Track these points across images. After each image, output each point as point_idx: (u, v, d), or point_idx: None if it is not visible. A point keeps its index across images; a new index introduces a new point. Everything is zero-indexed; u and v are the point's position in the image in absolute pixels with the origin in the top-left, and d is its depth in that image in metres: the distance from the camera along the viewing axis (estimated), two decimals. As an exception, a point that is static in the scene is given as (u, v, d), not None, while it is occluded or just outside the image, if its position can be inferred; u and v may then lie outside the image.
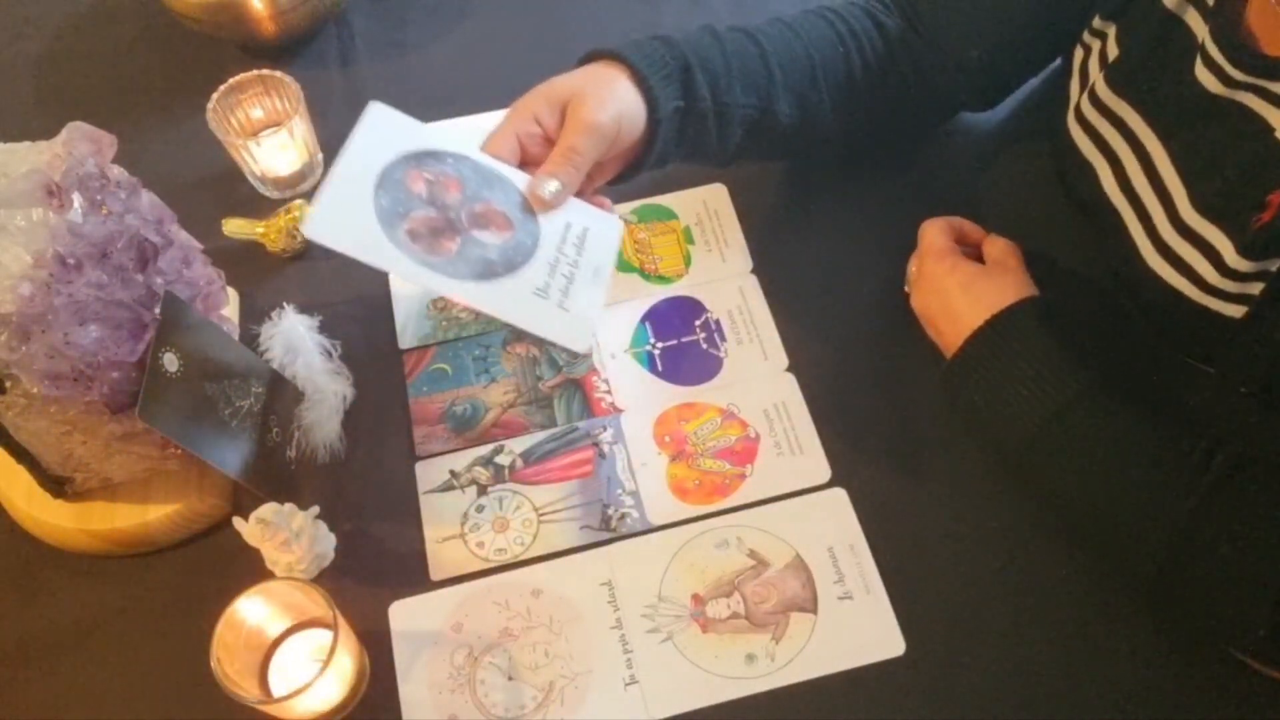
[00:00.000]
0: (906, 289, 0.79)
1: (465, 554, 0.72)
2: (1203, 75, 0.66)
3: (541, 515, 0.73)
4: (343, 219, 0.61)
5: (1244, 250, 0.65)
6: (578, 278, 0.67)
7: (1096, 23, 0.77)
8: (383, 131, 0.66)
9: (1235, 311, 0.67)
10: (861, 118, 0.82)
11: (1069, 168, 0.81)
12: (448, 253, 0.64)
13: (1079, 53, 0.81)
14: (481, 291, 0.63)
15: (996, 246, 0.76)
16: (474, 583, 0.70)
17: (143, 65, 0.99)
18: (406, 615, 0.69)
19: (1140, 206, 0.73)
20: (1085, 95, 0.77)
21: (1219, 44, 0.64)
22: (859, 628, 0.68)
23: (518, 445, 0.76)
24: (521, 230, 0.67)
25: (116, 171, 0.66)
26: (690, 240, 0.86)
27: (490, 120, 0.91)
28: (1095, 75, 0.77)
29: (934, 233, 0.77)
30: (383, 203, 0.63)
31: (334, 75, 0.97)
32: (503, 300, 0.64)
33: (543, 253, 0.67)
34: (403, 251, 0.62)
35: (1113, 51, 0.75)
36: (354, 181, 0.63)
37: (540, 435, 0.76)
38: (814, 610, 0.69)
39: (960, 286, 0.73)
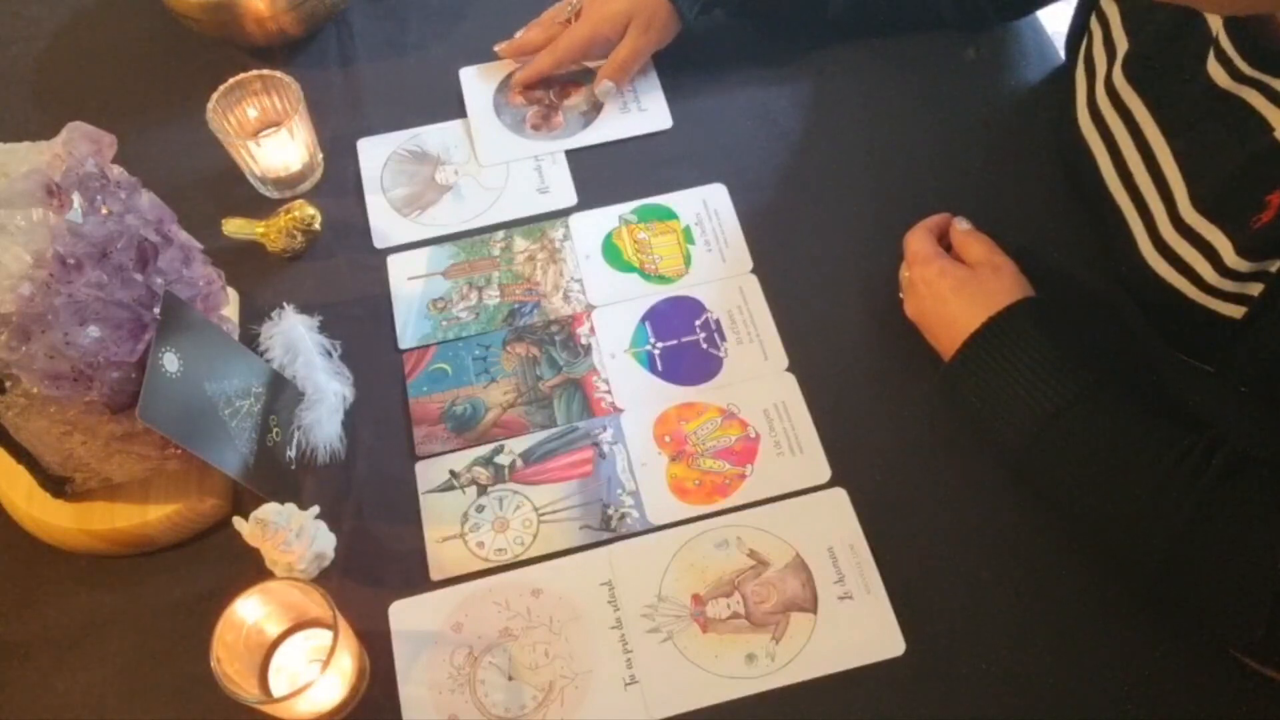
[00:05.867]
0: (901, 295, 0.79)
1: (465, 554, 0.72)
2: (1214, 69, 0.66)
3: (541, 515, 0.73)
4: None
5: (1243, 250, 0.65)
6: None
7: (1103, 1, 0.77)
8: None
9: (1234, 311, 0.67)
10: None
11: (1074, 161, 0.81)
12: None
13: (1084, 41, 0.81)
14: None
15: (977, 247, 0.76)
16: (474, 583, 0.70)
17: (143, 65, 0.99)
18: (406, 615, 0.69)
19: (1141, 203, 0.73)
20: (1101, 84, 0.77)
21: (1232, 36, 0.64)
22: (859, 627, 0.68)
23: (518, 445, 0.76)
24: None
25: (116, 171, 0.66)
26: (690, 240, 0.86)
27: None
28: (1103, 64, 0.77)
29: (918, 239, 0.77)
30: None
31: (334, 75, 0.97)
32: None
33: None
34: None
35: (1119, 39, 0.75)
36: None
37: (540, 435, 0.76)
38: (814, 610, 0.69)
39: (953, 290, 0.73)
